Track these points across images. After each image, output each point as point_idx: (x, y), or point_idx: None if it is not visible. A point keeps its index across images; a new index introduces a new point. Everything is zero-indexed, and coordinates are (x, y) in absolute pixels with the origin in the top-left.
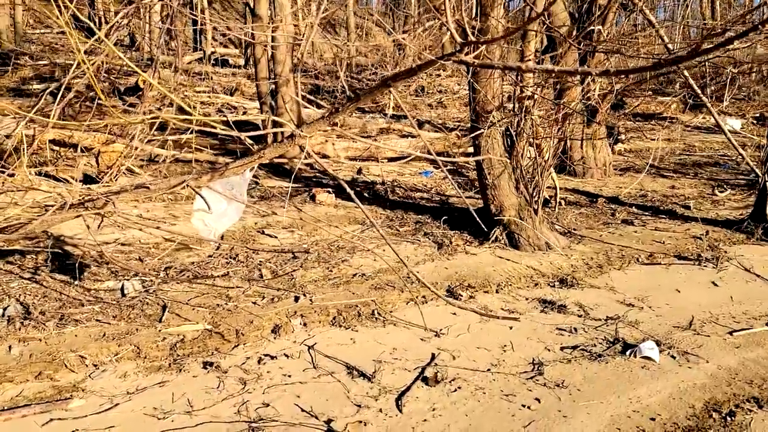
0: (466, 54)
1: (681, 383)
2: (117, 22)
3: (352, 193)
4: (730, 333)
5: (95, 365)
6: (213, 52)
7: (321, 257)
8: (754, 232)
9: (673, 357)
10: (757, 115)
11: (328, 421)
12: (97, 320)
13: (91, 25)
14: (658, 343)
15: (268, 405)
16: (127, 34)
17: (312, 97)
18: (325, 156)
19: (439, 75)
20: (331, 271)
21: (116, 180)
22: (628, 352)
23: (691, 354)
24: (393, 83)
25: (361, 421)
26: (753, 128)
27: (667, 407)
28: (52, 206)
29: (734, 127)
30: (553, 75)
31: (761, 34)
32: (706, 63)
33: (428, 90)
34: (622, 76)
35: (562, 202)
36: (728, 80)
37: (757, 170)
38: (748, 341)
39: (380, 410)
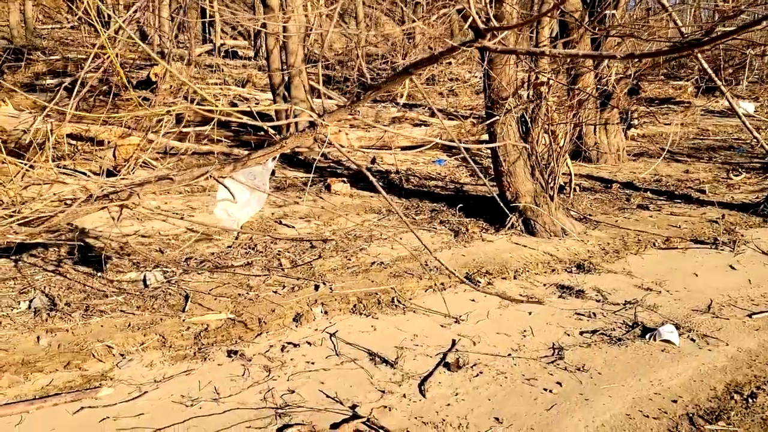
0: (489, 40)
1: (701, 366)
2: (131, 15)
3: (375, 181)
4: (749, 316)
5: (122, 355)
6: (222, 44)
7: (339, 246)
8: None
9: (693, 340)
10: None
11: (353, 407)
12: (121, 311)
13: (111, 14)
14: (677, 327)
15: (293, 392)
16: (137, 29)
17: (324, 88)
18: (340, 146)
19: (450, 63)
20: (350, 259)
21: (133, 173)
22: (647, 336)
23: (711, 337)
24: (414, 71)
25: (385, 407)
26: (767, 111)
27: (689, 389)
28: (76, 199)
29: (748, 111)
30: (571, 59)
31: None
32: (720, 46)
33: (439, 79)
34: (646, 59)
35: (577, 188)
36: (747, 63)
37: None
38: None
39: (404, 395)
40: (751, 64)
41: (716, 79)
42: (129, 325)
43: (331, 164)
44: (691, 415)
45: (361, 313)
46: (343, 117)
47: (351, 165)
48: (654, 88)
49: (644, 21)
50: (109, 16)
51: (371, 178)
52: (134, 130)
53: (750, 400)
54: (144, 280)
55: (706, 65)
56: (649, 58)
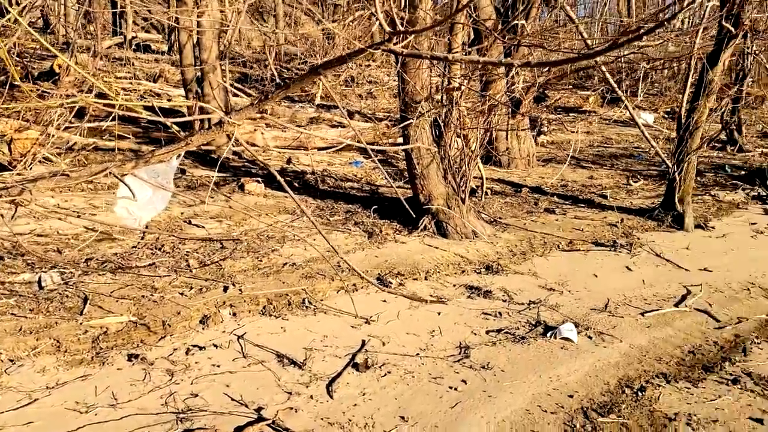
0: (395, 43)
1: (597, 362)
2: (31, 2)
3: (282, 181)
4: (642, 314)
5: (11, 360)
6: (134, 37)
7: (250, 247)
8: (664, 220)
9: (590, 337)
10: (669, 109)
11: (259, 409)
12: (12, 314)
13: (7, 5)
14: (576, 325)
15: (196, 395)
16: (40, 17)
17: (240, 86)
18: (254, 145)
19: (369, 66)
20: (261, 260)
21: (30, 168)
22: (548, 334)
23: (607, 334)
24: (323, 71)
25: (292, 408)
26: (664, 122)
27: (584, 385)
28: None
29: (648, 121)
30: (479, 66)
31: (672, 32)
32: (622, 59)
33: (358, 80)
34: (543, 67)
35: (489, 191)
36: (641, 76)
37: (667, 161)
38: (658, 321)
39: (311, 397)
40: (647, 76)
41: (617, 90)
42: (20, 329)
43: (246, 164)
44: (585, 408)
45: (270, 315)
46: (250, 115)
47: (267, 164)
48: (563, 97)
49: (552, 32)
50: (10, 2)
51: (277, 176)
52: (33, 124)
53: (639, 394)
54: (39, 282)
55: (609, 76)
56: (556, 68)
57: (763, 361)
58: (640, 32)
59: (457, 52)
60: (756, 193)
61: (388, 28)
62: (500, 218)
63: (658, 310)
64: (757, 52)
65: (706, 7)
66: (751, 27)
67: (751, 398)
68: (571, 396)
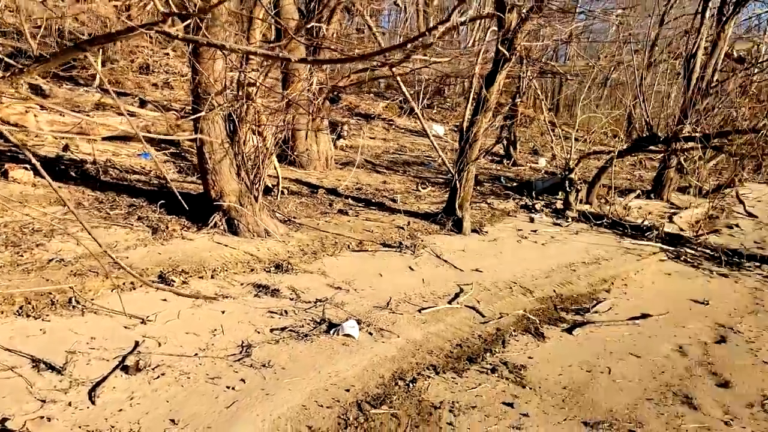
0: (170, 26)
1: (375, 357)
2: None
3: (38, 164)
4: (419, 311)
5: None
6: None
7: (10, 240)
8: (446, 224)
9: (371, 333)
10: (458, 123)
11: (3, 420)
12: None
13: None
14: (359, 322)
15: None
16: None
17: (11, 61)
18: (23, 128)
19: (167, 54)
20: (22, 255)
21: None
22: (332, 331)
23: (386, 330)
24: (88, 47)
25: (44, 417)
26: (452, 135)
27: (361, 379)
28: None
29: (438, 133)
30: (269, 61)
31: (460, 51)
32: (415, 73)
33: (154, 69)
34: (320, 65)
35: (285, 191)
36: (423, 89)
37: (452, 170)
38: (433, 317)
39: (69, 404)
40: (428, 90)
41: (411, 100)
42: None
43: (13, 148)
44: (360, 401)
45: (28, 315)
46: (1, 89)
47: (39, 151)
48: (363, 103)
49: (349, 38)
50: None
51: (32, 158)
52: None
53: (411, 385)
54: None
55: (403, 86)
56: (355, 75)
57: (517, 352)
58: (396, 45)
59: (253, 45)
60: (524, 203)
61: (162, 9)
62: (294, 218)
63: (433, 307)
64: (530, 77)
65: (488, 29)
66: (526, 54)
67: (505, 385)
68: (347, 390)
